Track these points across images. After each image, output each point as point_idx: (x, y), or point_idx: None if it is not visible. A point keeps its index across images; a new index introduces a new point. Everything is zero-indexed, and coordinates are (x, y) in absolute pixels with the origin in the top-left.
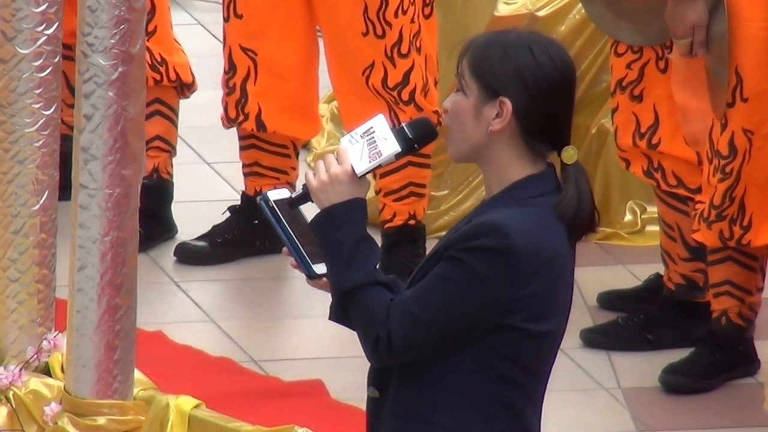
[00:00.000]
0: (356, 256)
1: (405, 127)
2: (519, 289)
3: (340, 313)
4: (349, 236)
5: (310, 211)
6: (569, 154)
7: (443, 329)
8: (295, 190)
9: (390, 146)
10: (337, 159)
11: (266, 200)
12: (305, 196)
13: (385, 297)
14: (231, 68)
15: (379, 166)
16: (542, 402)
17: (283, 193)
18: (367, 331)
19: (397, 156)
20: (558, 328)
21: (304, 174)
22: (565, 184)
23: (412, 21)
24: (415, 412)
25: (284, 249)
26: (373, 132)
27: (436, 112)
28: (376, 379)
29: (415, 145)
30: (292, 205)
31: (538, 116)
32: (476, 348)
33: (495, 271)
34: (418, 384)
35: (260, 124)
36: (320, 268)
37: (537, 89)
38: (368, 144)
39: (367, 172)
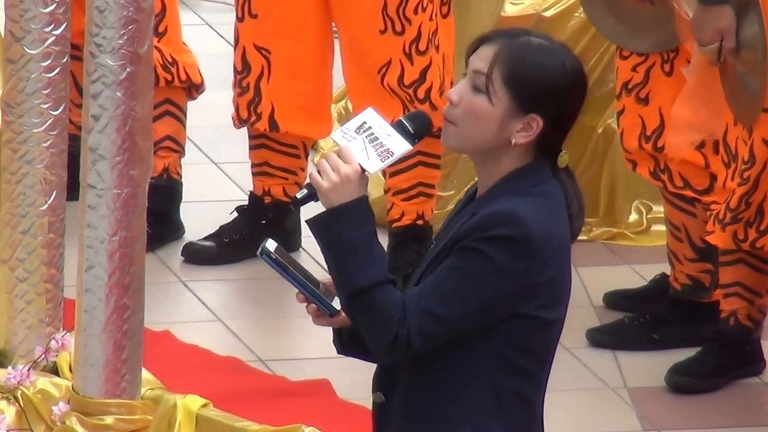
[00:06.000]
0: (371, 254)
1: (404, 122)
2: (534, 276)
3: (352, 346)
4: (361, 235)
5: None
6: (564, 159)
7: (463, 322)
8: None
9: (400, 144)
10: (341, 158)
11: (268, 253)
12: (311, 196)
13: (398, 294)
14: (245, 68)
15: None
16: (545, 392)
17: (273, 243)
18: (382, 330)
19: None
20: (564, 315)
21: (309, 173)
22: (565, 190)
23: (431, 19)
24: (428, 411)
25: (299, 296)
26: (370, 127)
27: None
28: (382, 383)
29: (416, 140)
30: (296, 204)
31: (559, 131)
32: (490, 339)
33: (513, 259)
34: (429, 382)
35: (273, 124)
36: (337, 304)
37: (568, 108)
38: (370, 141)
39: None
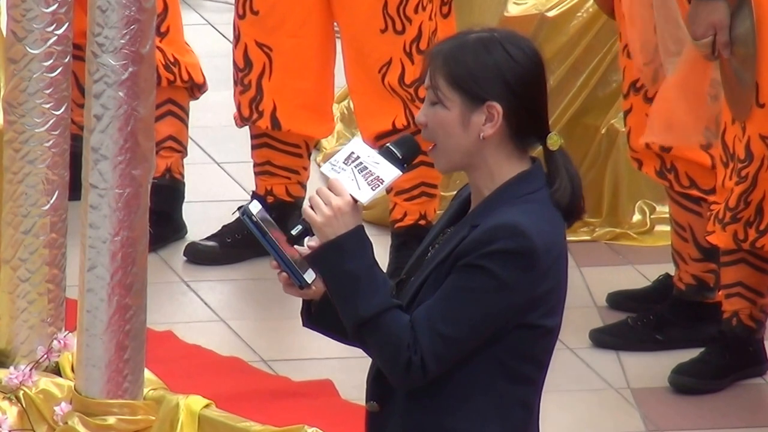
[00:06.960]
0: (373, 283)
1: (392, 148)
2: (538, 287)
3: (318, 320)
4: (361, 265)
5: None
6: (554, 141)
7: (474, 341)
8: (292, 193)
9: (389, 170)
10: (332, 191)
11: (249, 214)
12: (306, 231)
13: (405, 319)
14: (246, 65)
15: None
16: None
17: (257, 206)
18: (395, 357)
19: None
20: (561, 321)
21: (302, 209)
22: (556, 172)
23: (430, 18)
24: (430, 424)
25: (272, 262)
26: (358, 157)
27: None
28: (376, 392)
29: (405, 165)
30: (293, 242)
31: (523, 112)
32: (493, 350)
33: (518, 272)
34: (432, 395)
35: (275, 122)
36: (309, 276)
37: (519, 86)
38: (359, 171)
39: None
